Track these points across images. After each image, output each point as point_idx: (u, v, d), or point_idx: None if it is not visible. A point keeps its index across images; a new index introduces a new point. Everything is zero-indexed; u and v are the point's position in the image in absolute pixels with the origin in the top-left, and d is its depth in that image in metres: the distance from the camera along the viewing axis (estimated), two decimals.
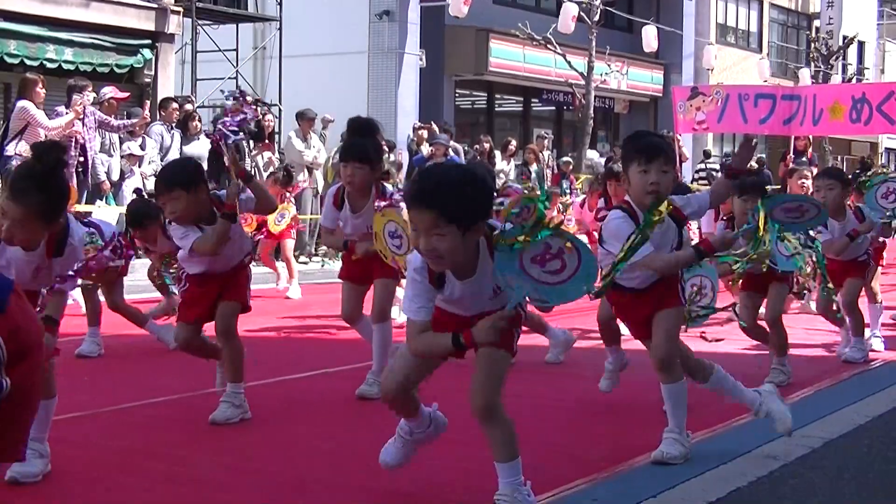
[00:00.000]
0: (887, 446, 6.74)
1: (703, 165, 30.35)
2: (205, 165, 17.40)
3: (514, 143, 26.35)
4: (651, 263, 5.90)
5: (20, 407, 3.28)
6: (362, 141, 7.67)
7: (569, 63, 30.96)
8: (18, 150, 15.25)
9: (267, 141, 18.52)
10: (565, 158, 28.07)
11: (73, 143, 16.10)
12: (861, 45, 51.30)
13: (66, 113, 15.97)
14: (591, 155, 30.77)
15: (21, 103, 15.46)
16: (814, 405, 7.84)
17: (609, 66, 32.34)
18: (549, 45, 30.51)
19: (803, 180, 12.36)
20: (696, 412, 6.69)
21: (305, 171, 20.19)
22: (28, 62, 19.52)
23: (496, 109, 36.69)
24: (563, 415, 7.78)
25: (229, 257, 7.12)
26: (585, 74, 30.71)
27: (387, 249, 7.49)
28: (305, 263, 19.19)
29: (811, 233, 8.03)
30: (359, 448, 6.37)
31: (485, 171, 6.48)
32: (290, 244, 15.15)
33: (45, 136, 15.57)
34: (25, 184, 5.30)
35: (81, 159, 16.57)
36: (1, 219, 5.29)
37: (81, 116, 16.33)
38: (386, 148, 19.32)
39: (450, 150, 22.04)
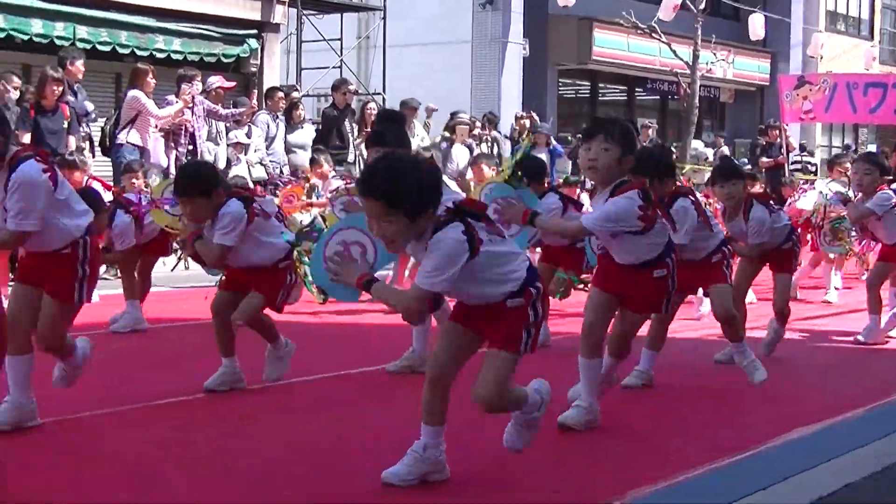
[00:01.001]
0: None
1: (798, 158, 29.99)
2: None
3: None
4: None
5: None
6: (381, 128, 7.88)
7: (674, 52, 30.16)
8: (130, 138, 15.60)
9: (369, 129, 18.67)
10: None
11: (182, 132, 16.49)
12: None
13: (176, 102, 16.32)
14: (696, 144, 30.39)
15: (132, 92, 15.74)
16: None
17: (715, 54, 31.74)
18: (653, 34, 29.87)
19: None
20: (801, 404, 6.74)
21: None
22: (138, 52, 19.80)
23: (600, 99, 36.49)
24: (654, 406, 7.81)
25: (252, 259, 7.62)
26: (691, 63, 30.07)
27: None
28: None
29: None
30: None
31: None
32: None
33: (155, 125, 16.01)
34: None
35: (191, 147, 16.91)
36: None
37: (190, 105, 16.69)
38: (419, 135, 19.55)
39: (551, 139, 22.13)
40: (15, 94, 14.61)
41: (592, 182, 6.59)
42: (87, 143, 16.03)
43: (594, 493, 5.57)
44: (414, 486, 5.44)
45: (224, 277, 7.92)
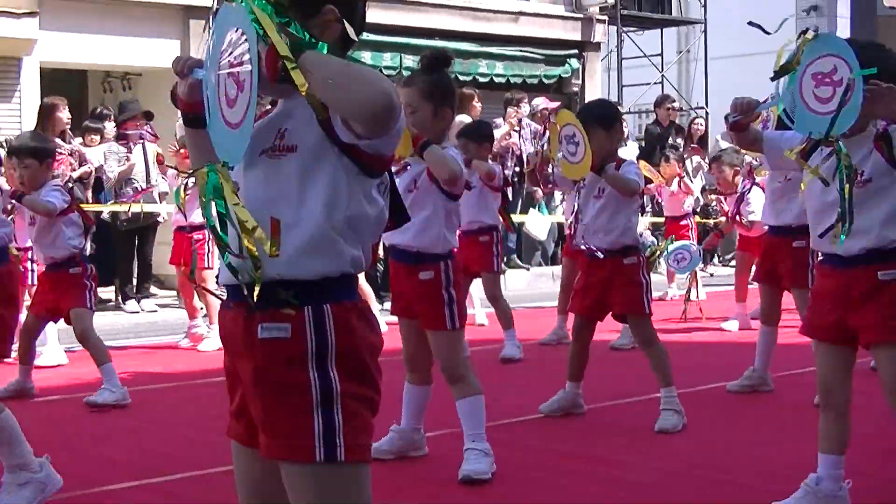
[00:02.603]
0: None
1: None
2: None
3: None
4: None
5: None
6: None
7: None
8: None
9: (695, 145, 18.62)
10: None
11: (509, 154, 16.74)
12: None
13: (503, 125, 16.61)
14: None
15: (458, 118, 16.12)
16: None
17: None
18: None
19: None
20: None
21: None
22: (461, 77, 20.20)
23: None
24: None
25: None
26: None
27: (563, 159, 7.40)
28: None
29: None
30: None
31: None
32: None
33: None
34: None
35: (518, 169, 17.16)
36: None
37: (517, 128, 16.96)
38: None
39: None
40: None
41: None
42: None
43: None
44: None
45: None
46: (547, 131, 7.63)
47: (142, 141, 14.41)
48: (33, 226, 8.34)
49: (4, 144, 8.25)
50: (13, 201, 8.33)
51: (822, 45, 4.77)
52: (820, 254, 5.17)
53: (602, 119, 7.29)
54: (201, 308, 11.20)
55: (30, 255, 9.46)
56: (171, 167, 11.75)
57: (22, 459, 5.31)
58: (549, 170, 8.12)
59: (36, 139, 8.79)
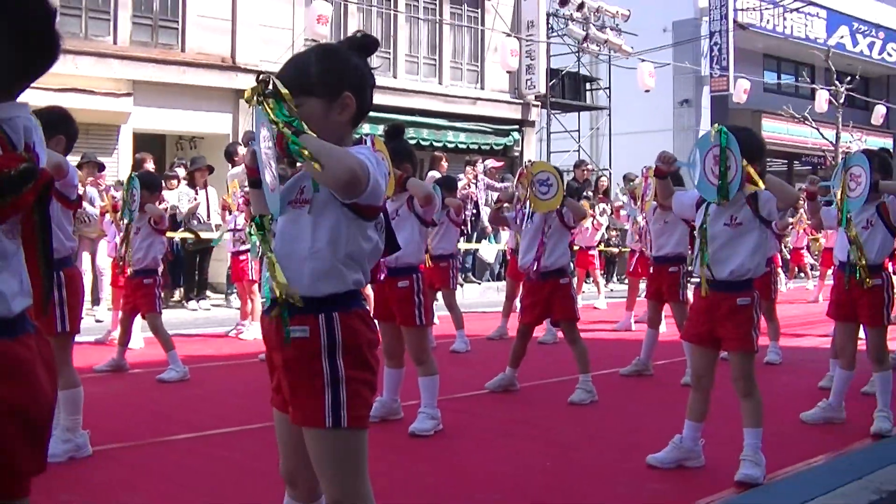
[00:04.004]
0: None
1: None
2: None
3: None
4: None
5: None
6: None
7: (821, 134, 30.23)
8: None
9: (601, 195, 18.67)
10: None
11: (468, 201, 16.73)
12: None
13: (463, 179, 16.58)
14: None
15: (431, 173, 16.13)
16: None
17: (851, 135, 31.09)
18: (806, 121, 29.77)
19: None
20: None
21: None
22: (435, 144, 20.32)
23: (768, 171, 35.37)
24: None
25: None
26: (834, 142, 29.74)
27: (533, 196, 7.28)
28: None
29: None
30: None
31: None
32: None
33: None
34: None
35: (475, 212, 17.15)
36: None
37: (474, 181, 16.96)
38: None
39: None
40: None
41: None
42: None
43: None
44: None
45: None
46: (521, 178, 7.56)
47: (206, 188, 14.39)
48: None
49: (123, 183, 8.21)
50: None
51: (724, 138, 4.98)
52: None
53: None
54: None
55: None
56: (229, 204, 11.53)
57: (74, 424, 5.22)
58: (503, 214, 8.16)
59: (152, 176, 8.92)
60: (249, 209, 6.52)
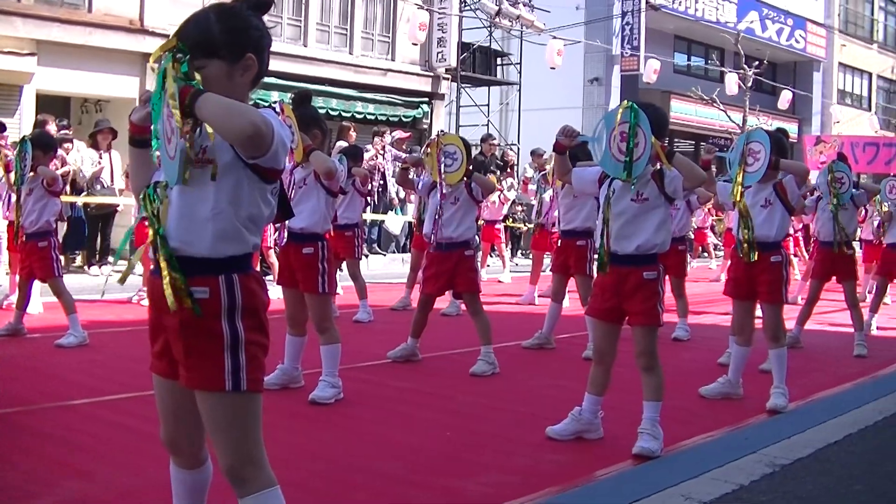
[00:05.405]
0: None
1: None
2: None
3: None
4: None
5: None
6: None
7: (728, 117, 30.89)
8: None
9: (509, 170, 18.79)
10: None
11: (375, 171, 16.73)
12: None
13: (370, 149, 16.57)
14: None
15: (339, 143, 16.06)
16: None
17: (758, 118, 31.75)
18: (714, 104, 30.32)
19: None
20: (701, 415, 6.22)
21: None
22: (344, 114, 20.18)
23: (675, 151, 35.88)
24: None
25: None
26: (741, 125, 30.37)
27: (435, 168, 7.39)
28: None
29: None
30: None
31: None
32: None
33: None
34: None
35: (382, 182, 17.16)
36: None
37: (382, 153, 16.95)
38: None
39: None
40: None
41: None
42: None
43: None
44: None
45: None
46: (429, 147, 7.59)
47: (109, 151, 14.11)
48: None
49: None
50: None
51: (634, 115, 5.00)
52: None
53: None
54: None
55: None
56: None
57: None
58: (411, 176, 8.18)
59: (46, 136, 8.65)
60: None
